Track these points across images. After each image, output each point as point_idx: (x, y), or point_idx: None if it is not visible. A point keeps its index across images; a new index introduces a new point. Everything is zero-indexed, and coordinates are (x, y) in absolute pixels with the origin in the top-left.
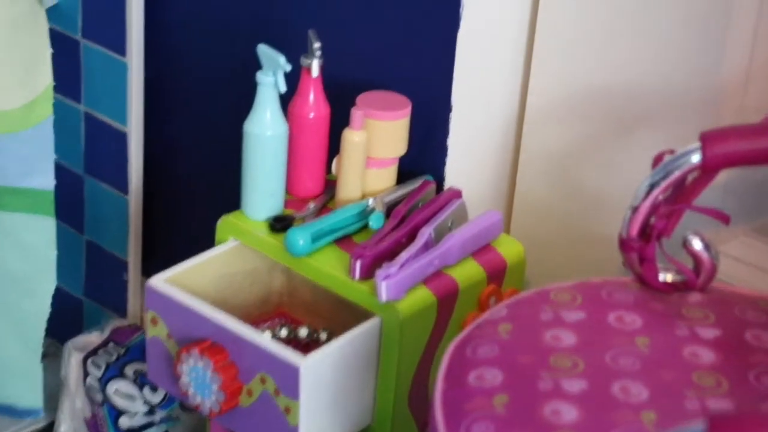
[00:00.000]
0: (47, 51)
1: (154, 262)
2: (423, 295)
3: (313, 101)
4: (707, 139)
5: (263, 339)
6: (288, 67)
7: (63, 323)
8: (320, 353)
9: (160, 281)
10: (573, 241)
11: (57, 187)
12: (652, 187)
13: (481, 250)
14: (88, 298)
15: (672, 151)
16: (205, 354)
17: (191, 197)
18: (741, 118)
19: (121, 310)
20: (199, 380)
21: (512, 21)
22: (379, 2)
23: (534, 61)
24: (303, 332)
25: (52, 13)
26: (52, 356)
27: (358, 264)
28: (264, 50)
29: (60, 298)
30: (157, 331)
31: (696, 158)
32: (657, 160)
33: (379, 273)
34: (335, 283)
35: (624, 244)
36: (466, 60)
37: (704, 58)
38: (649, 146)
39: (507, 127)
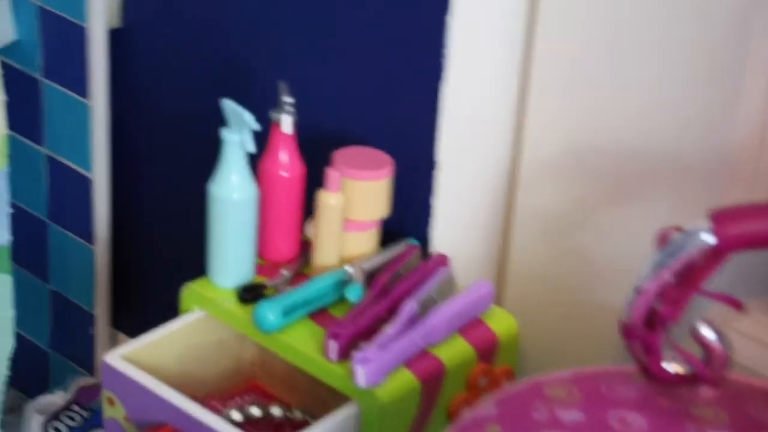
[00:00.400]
0: (0, 98)
1: (124, 313)
2: (405, 379)
3: (286, 159)
4: (719, 220)
5: (226, 427)
6: (255, 126)
7: (28, 376)
8: None
9: (116, 358)
10: (571, 311)
11: (19, 233)
12: (658, 268)
13: (470, 325)
14: (54, 351)
15: (679, 229)
16: None
17: (162, 246)
18: (755, 184)
19: (89, 365)
20: None
21: (504, 71)
22: (357, 50)
23: (528, 115)
24: (276, 411)
25: (10, 49)
26: (17, 411)
27: (333, 345)
28: (229, 106)
29: (25, 350)
30: (114, 412)
31: (707, 239)
32: (662, 238)
33: (357, 356)
34: (309, 363)
35: (627, 332)
36: (452, 113)
37: (715, 118)
38: (654, 210)
39: (498, 186)
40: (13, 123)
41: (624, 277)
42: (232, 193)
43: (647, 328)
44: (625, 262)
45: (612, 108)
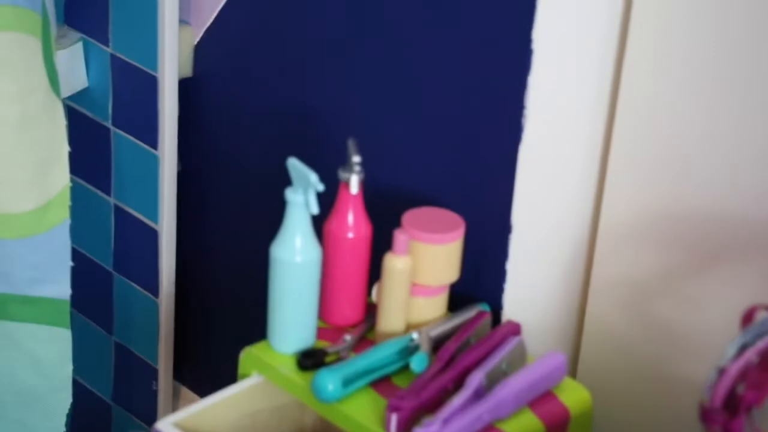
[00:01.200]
0: (64, 148)
1: (187, 366)
2: None
3: (353, 220)
4: None
5: None
6: (320, 187)
7: (91, 429)
8: None
9: (168, 425)
10: (649, 385)
11: (85, 283)
12: (743, 348)
13: (541, 398)
14: (116, 404)
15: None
16: None
17: (229, 300)
18: None
19: (151, 420)
20: None
21: (584, 129)
22: (429, 107)
23: (609, 177)
24: None
25: (82, 97)
26: None
27: (394, 418)
28: (294, 165)
29: (88, 402)
30: None
31: None
32: (748, 316)
33: None
34: None
35: (706, 416)
36: (529, 174)
37: None
38: (742, 284)
39: (576, 251)
40: (82, 171)
41: (708, 351)
42: (295, 256)
43: (728, 412)
44: (709, 336)
45: (700, 173)
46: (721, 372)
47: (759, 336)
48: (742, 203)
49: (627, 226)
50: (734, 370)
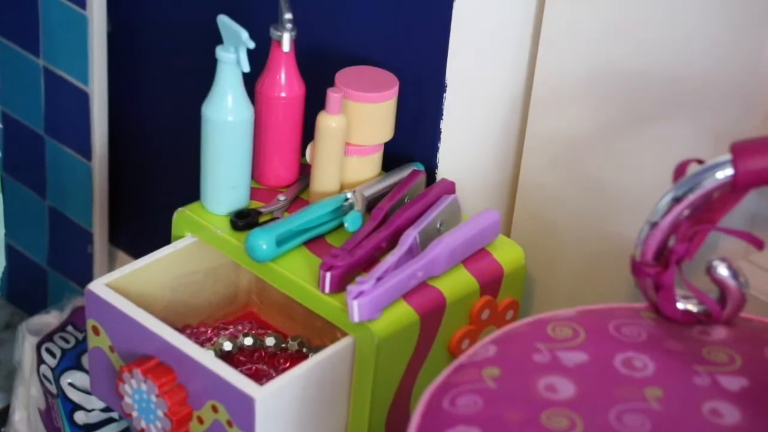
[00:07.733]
0: None
1: (123, 230)
2: (403, 313)
3: (285, 79)
4: (740, 153)
5: (214, 362)
6: (251, 44)
7: (27, 293)
8: (279, 383)
9: (100, 286)
10: (583, 242)
11: (17, 147)
12: (675, 201)
13: (475, 255)
14: (52, 269)
15: (699, 161)
16: (149, 376)
17: (163, 163)
18: None
19: (87, 284)
20: (144, 404)
21: None
22: None
23: (543, 34)
24: (270, 341)
25: None
26: (14, 328)
27: (327, 276)
28: (225, 22)
29: (23, 266)
30: (99, 342)
31: (727, 173)
32: (680, 169)
33: (351, 290)
34: (303, 295)
35: (637, 268)
36: (464, 31)
37: (743, 43)
38: (674, 139)
39: (511, 110)
40: (10, 32)
41: (640, 208)
42: (227, 115)
43: (659, 264)
44: (642, 192)
45: (634, 27)
46: (653, 226)
47: (690, 189)
48: (675, 60)
49: (561, 84)
50: (665, 223)
